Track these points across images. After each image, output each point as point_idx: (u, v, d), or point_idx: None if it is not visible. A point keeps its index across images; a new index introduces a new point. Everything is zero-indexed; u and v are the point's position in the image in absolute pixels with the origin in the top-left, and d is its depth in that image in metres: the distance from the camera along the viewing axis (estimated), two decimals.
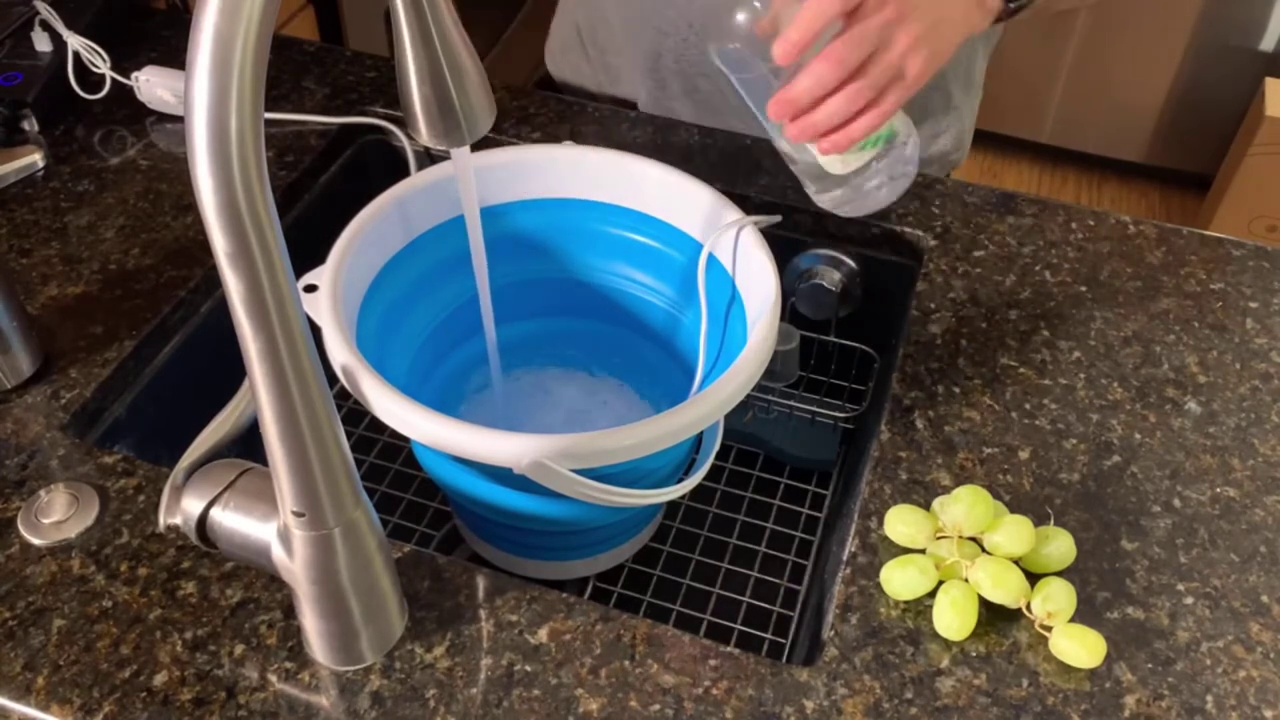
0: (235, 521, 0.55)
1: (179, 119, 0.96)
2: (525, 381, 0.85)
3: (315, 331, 0.51)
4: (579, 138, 0.94)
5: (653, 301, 0.80)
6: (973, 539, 0.63)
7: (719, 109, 1.01)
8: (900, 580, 0.62)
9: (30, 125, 0.92)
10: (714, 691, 0.58)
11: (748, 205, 0.88)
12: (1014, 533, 0.62)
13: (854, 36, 0.66)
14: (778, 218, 0.74)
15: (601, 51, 1.08)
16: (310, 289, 0.67)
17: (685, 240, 0.76)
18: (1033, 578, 0.62)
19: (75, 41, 0.95)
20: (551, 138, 0.94)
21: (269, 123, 0.94)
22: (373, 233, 0.72)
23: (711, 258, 0.74)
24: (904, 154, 0.74)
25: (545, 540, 0.76)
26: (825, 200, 0.76)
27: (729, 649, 0.61)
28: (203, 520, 0.55)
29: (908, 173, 0.75)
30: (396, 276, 0.75)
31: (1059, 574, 0.63)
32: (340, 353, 0.63)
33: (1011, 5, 0.75)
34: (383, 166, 0.97)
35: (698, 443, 0.73)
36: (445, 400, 0.81)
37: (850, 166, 0.73)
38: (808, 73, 0.66)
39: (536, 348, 0.85)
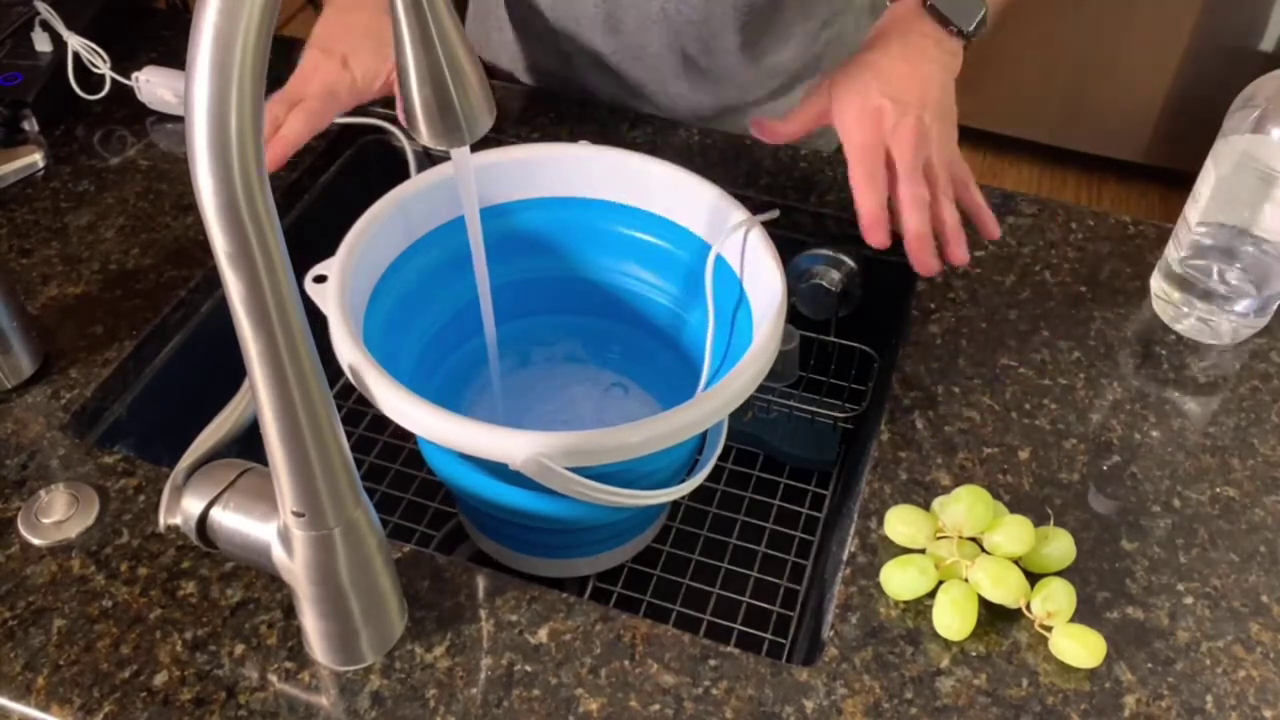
0: (235, 521, 0.55)
1: (179, 119, 0.96)
2: (531, 379, 0.85)
3: (318, 328, 0.51)
4: (577, 137, 0.94)
5: (658, 300, 0.80)
6: (973, 539, 0.63)
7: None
8: (900, 580, 0.62)
9: (30, 125, 0.92)
10: (714, 691, 0.58)
11: (748, 205, 0.88)
12: (1014, 533, 0.62)
13: (908, 178, 0.73)
14: (775, 212, 0.74)
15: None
16: (320, 280, 0.67)
17: (691, 239, 0.76)
18: (1033, 578, 0.62)
19: (75, 41, 0.95)
20: (551, 138, 0.94)
21: None
22: (380, 230, 0.72)
23: (719, 257, 0.74)
24: None
25: (549, 538, 0.76)
26: None
27: (729, 649, 0.60)
28: (203, 520, 0.56)
29: None
30: (403, 274, 0.75)
31: (1059, 574, 0.63)
32: (347, 350, 0.64)
33: (967, 37, 0.79)
34: (383, 166, 0.97)
35: (699, 443, 0.73)
36: (453, 396, 0.81)
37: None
38: (910, 217, 0.73)
39: (543, 345, 0.85)
